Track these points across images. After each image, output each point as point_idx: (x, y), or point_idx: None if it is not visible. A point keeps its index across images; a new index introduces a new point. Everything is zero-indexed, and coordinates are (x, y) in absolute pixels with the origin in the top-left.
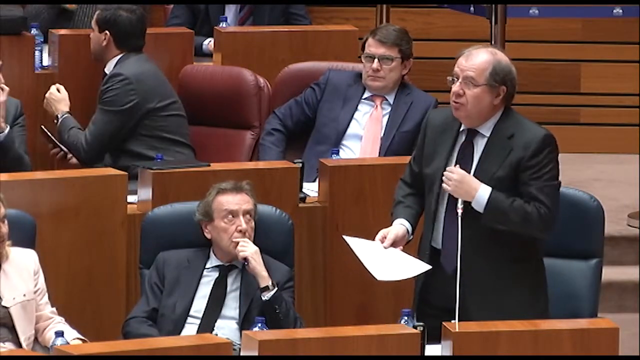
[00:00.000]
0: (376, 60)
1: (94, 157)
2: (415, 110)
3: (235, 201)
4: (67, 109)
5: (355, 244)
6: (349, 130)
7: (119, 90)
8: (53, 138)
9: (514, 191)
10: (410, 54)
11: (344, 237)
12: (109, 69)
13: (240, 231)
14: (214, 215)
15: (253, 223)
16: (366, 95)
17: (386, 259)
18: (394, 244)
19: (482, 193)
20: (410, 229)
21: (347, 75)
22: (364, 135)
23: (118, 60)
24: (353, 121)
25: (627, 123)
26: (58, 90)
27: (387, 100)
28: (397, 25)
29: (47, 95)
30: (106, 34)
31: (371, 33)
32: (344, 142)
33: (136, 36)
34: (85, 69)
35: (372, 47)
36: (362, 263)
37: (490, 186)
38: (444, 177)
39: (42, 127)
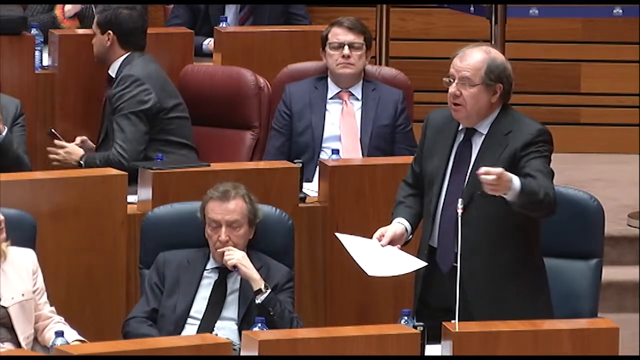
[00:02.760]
0: (346, 46)
1: (137, 160)
2: (386, 105)
3: (219, 211)
4: (81, 152)
5: (348, 240)
6: (326, 134)
7: (135, 91)
8: (62, 142)
9: None
10: (371, 44)
11: (336, 234)
12: (113, 70)
13: (220, 241)
14: (205, 220)
15: (241, 231)
16: (331, 94)
17: (380, 255)
18: (391, 242)
19: (515, 179)
20: (409, 228)
21: (306, 83)
22: (341, 133)
23: (123, 61)
24: (327, 123)
25: (627, 123)
26: (60, 146)
27: (353, 95)
28: None
29: (60, 157)
30: (109, 34)
31: (333, 24)
32: (324, 145)
33: (139, 33)
34: (85, 69)
35: (341, 35)
36: (353, 258)
37: None
38: (483, 184)
39: (52, 130)
